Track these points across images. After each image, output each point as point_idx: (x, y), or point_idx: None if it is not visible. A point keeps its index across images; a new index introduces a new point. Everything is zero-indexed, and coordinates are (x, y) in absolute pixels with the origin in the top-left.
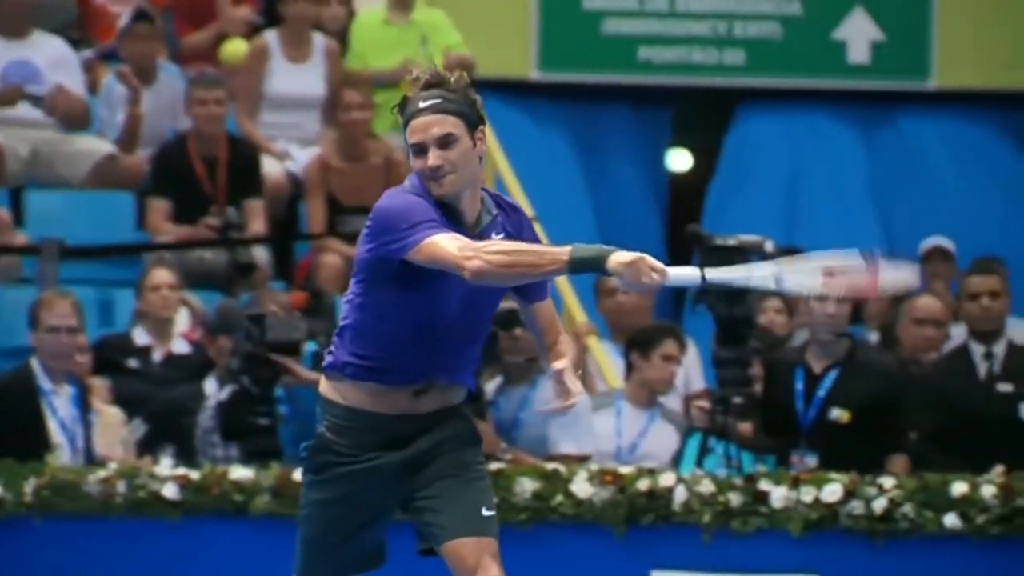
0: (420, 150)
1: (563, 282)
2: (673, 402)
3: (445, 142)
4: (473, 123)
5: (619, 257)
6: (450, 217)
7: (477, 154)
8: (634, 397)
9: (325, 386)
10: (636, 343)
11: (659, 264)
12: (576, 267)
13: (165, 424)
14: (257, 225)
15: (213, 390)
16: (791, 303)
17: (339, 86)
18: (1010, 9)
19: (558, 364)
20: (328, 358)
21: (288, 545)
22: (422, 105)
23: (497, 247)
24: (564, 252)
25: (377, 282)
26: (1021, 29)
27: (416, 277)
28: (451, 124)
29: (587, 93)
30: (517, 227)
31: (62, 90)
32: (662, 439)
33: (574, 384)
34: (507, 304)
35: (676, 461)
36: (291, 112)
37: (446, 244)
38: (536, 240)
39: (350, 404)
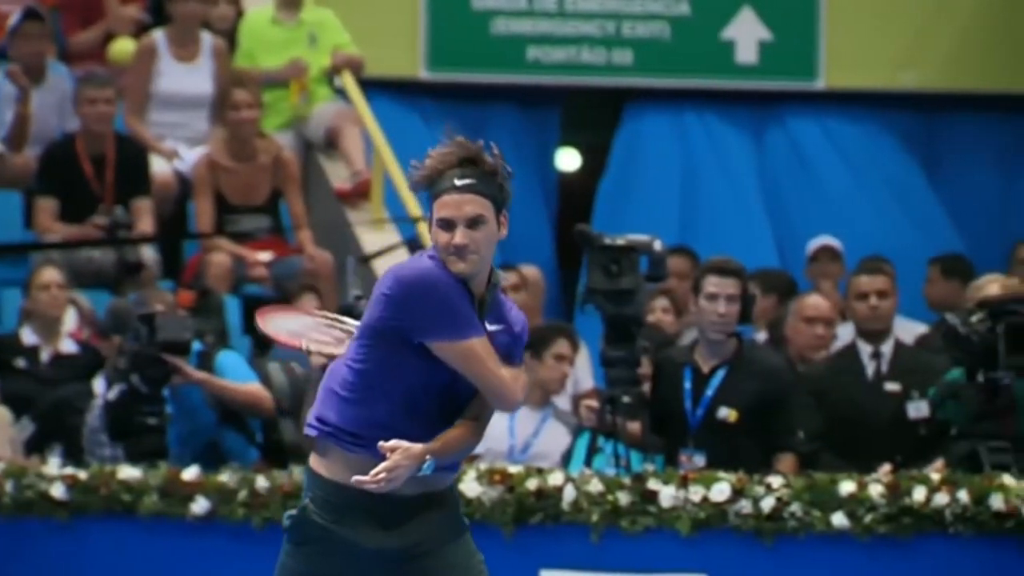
0: (448, 226)
1: None
2: (563, 402)
3: (474, 223)
4: (500, 207)
5: None
6: (465, 287)
7: (499, 238)
8: (528, 396)
9: (314, 459)
10: (528, 344)
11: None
12: None
13: (53, 424)
14: (145, 224)
15: (102, 390)
16: (679, 302)
17: (227, 85)
18: (897, 10)
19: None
20: (313, 427)
21: (176, 544)
22: (458, 183)
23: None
24: None
25: (380, 347)
26: (908, 30)
27: (423, 348)
28: (482, 206)
29: (476, 93)
30: (515, 324)
31: None
32: (554, 439)
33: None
34: None
35: (566, 460)
36: (179, 111)
37: (494, 366)
38: (525, 339)
39: (336, 479)
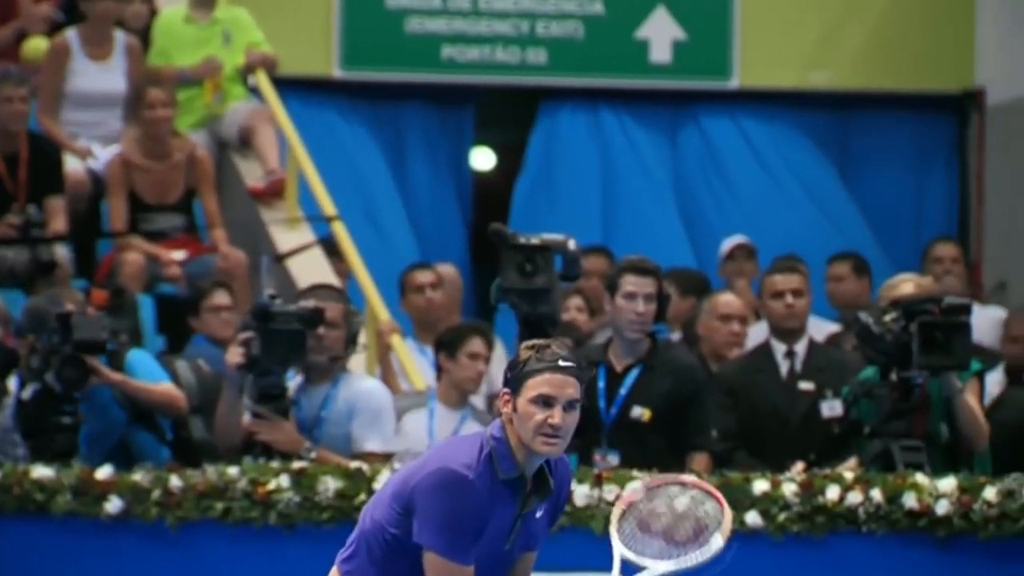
0: (547, 404)
1: (365, 278)
2: (479, 401)
3: (571, 406)
4: None
5: None
6: (510, 492)
7: None
8: (445, 397)
9: None
10: (443, 344)
11: None
12: None
13: None
14: (58, 223)
15: (15, 389)
16: (593, 301)
17: (141, 84)
18: (809, 10)
19: None
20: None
21: (90, 544)
22: (563, 364)
23: None
24: None
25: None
26: (821, 30)
27: None
28: (578, 392)
29: (390, 92)
30: (558, 489)
31: None
32: None
33: None
34: (312, 302)
35: None
36: (93, 110)
37: None
38: (568, 494)
39: None
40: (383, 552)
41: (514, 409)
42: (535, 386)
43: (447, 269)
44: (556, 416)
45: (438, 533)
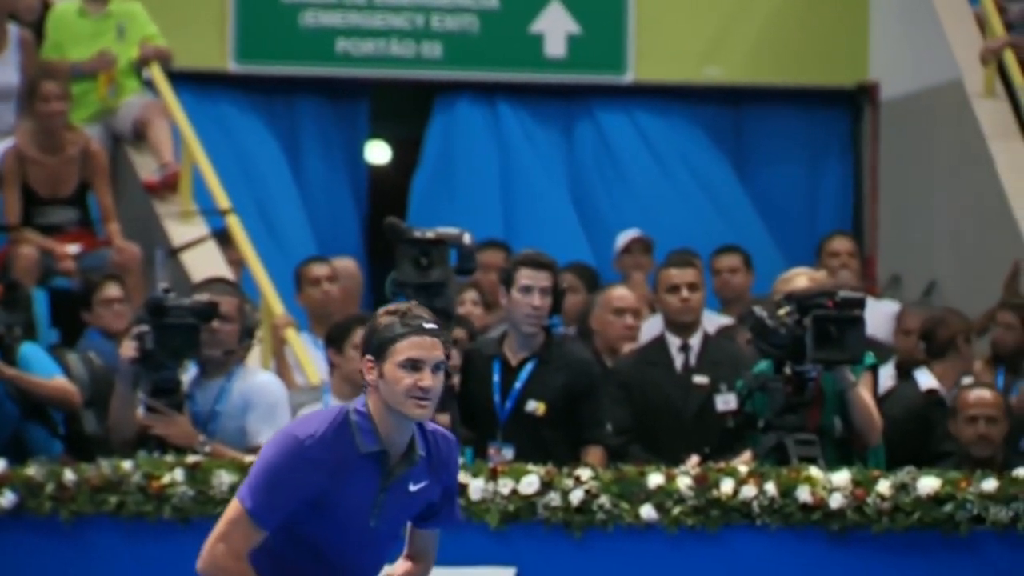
0: (415, 367)
1: (260, 271)
2: None
3: (439, 368)
4: None
5: None
6: (371, 467)
7: None
8: (339, 391)
9: None
10: (331, 338)
11: None
12: None
13: None
14: None
15: None
16: (488, 295)
17: (34, 77)
18: (705, 4)
19: None
20: None
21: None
22: (427, 325)
23: (241, 573)
24: None
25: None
26: (716, 24)
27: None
28: (444, 355)
29: (284, 85)
30: (441, 465)
31: None
32: None
33: None
34: (207, 296)
35: None
36: None
37: (219, 535)
38: (456, 474)
39: None
40: None
41: (380, 376)
42: (402, 350)
43: (346, 263)
44: (426, 378)
45: (249, 485)
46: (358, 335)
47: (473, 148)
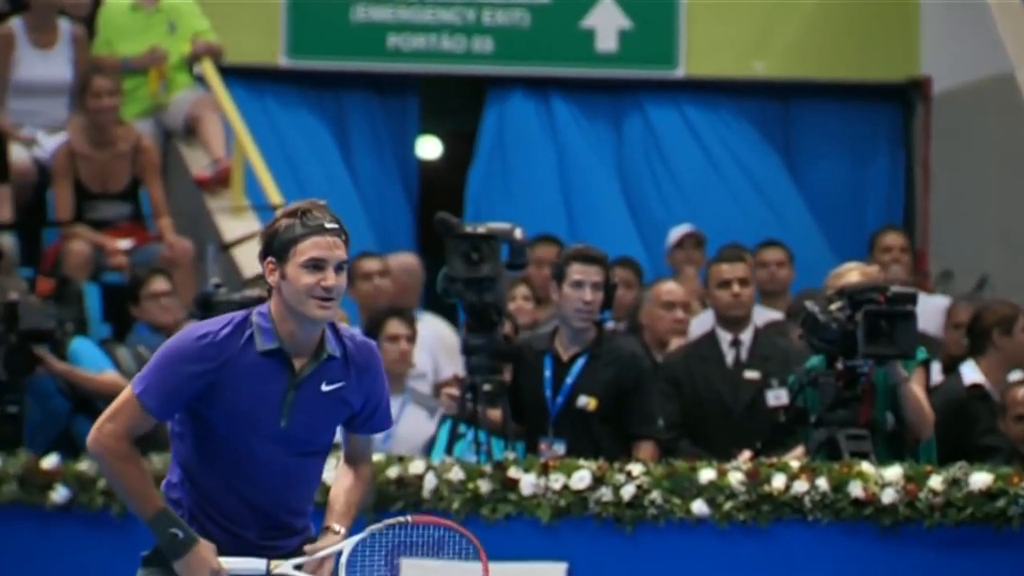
0: (318, 267)
1: None
2: (424, 386)
3: (341, 268)
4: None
5: (184, 562)
6: (274, 368)
7: None
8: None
9: None
10: (365, 333)
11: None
12: (152, 532)
13: None
14: (3, 212)
15: None
16: (539, 291)
17: (86, 73)
18: None
19: (323, 539)
20: None
21: (35, 533)
22: (328, 225)
23: (127, 463)
24: (151, 509)
25: None
26: (766, 18)
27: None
28: (346, 255)
29: (335, 80)
30: (361, 369)
31: None
32: (415, 425)
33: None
34: (257, 291)
35: (429, 448)
36: (38, 98)
37: (121, 418)
38: (380, 379)
39: None
40: (176, 449)
41: (282, 277)
42: (304, 251)
43: (406, 258)
44: (329, 278)
45: (143, 371)
46: (390, 326)
47: (528, 142)
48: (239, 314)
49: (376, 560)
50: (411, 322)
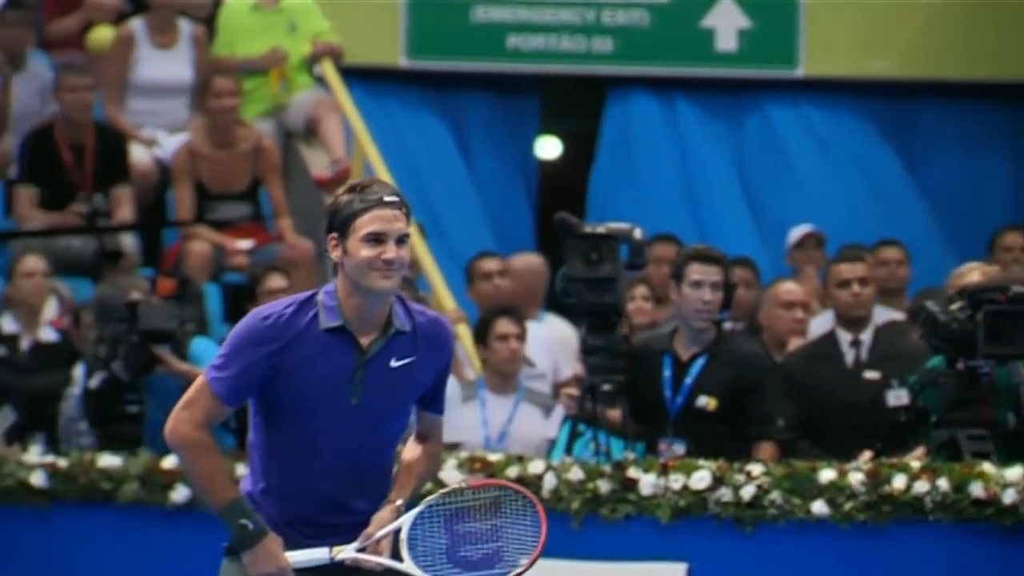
0: (379, 240)
1: (431, 267)
2: (545, 385)
3: (402, 241)
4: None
5: (251, 554)
6: (340, 345)
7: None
8: (492, 385)
9: None
10: (477, 333)
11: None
12: (224, 523)
13: (33, 413)
14: (125, 212)
15: (82, 378)
16: (658, 290)
17: (207, 72)
18: None
19: (382, 511)
20: None
21: (155, 533)
22: (387, 198)
23: (204, 456)
24: (224, 500)
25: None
26: (886, 18)
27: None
28: (407, 227)
29: (455, 81)
30: (432, 344)
31: None
32: (530, 423)
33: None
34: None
35: (550, 448)
36: (158, 99)
37: (196, 408)
38: (449, 355)
39: None
40: (250, 446)
41: (344, 252)
42: (363, 224)
43: (531, 259)
44: (390, 251)
45: (214, 359)
46: (500, 325)
47: (651, 142)
48: (305, 294)
49: (435, 530)
50: (521, 321)
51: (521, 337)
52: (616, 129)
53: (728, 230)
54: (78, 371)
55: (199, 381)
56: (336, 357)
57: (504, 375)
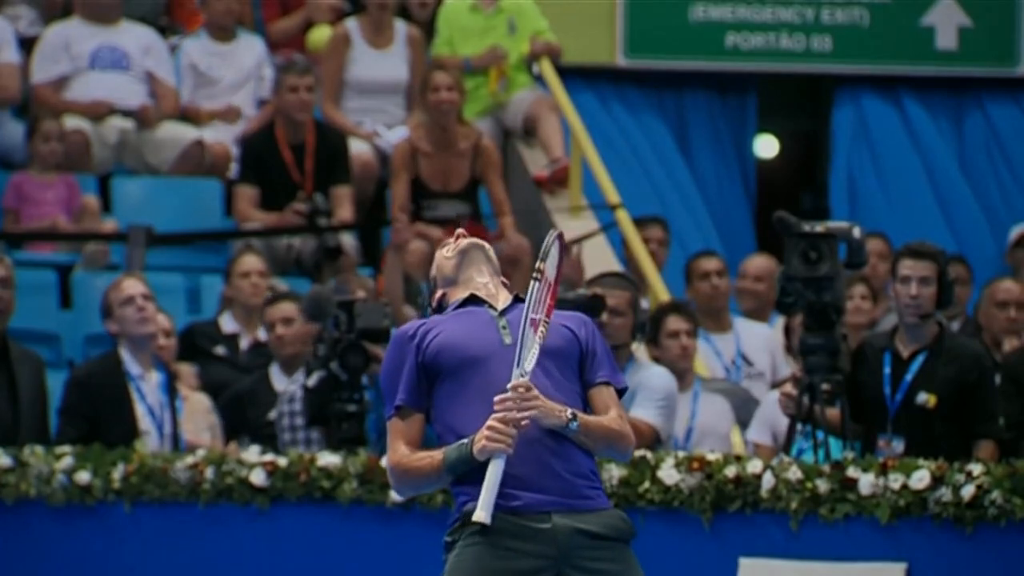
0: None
1: (649, 265)
2: (762, 386)
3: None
4: None
5: (476, 442)
6: (473, 307)
7: None
8: None
9: None
10: (650, 327)
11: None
12: (451, 469)
13: (234, 415)
14: (344, 211)
15: (301, 377)
16: (875, 289)
17: (422, 72)
18: None
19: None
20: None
21: (375, 531)
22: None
23: (403, 460)
24: (441, 463)
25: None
26: None
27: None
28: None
29: (673, 79)
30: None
31: (149, 106)
32: (715, 413)
33: None
34: (596, 289)
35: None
36: (373, 98)
37: (393, 441)
38: (593, 331)
39: None
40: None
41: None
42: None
43: (763, 261)
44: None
45: (386, 387)
46: (669, 322)
47: (888, 141)
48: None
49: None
50: (692, 317)
51: (692, 333)
52: (851, 127)
53: (951, 227)
54: (274, 372)
55: (390, 425)
56: (474, 319)
57: (677, 372)
